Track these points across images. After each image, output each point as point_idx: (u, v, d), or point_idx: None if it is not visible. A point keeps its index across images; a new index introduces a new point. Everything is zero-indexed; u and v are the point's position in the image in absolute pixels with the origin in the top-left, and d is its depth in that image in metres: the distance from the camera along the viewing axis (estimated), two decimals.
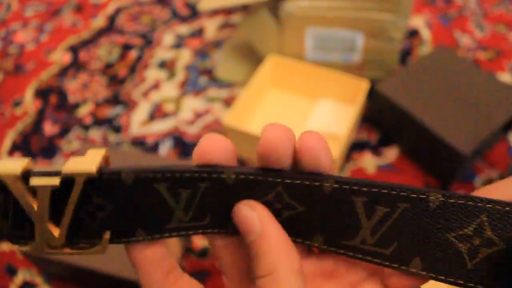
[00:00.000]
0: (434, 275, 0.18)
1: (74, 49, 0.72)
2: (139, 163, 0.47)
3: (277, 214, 0.18)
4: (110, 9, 0.79)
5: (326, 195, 0.18)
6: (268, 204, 0.18)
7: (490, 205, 0.17)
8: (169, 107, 0.62)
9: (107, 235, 0.18)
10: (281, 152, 0.17)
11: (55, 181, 0.17)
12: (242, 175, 0.18)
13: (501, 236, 0.17)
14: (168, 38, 0.72)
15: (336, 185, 0.18)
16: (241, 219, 0.18)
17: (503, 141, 0.56)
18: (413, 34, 0.70)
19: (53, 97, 0.65)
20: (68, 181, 0.17)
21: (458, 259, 0.17)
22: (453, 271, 0.18)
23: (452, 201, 0.17)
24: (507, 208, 0.17)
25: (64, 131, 0.60)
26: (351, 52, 0.59)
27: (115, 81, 0.66)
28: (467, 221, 0.17)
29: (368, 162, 0.55)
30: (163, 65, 0.68)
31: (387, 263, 0.18)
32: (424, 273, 0.18)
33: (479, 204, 0.17)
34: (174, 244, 0.44)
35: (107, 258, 0.40)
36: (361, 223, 0.18)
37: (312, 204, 0.18)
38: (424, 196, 0.17)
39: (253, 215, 0.18)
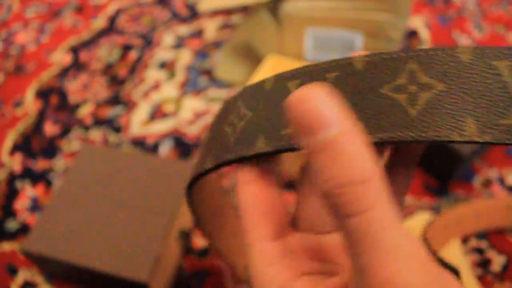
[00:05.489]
0: (382, 135, 0.16)
1: (74, 50, 0.72)
2: (138, 163, 0.47)
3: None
4: (111, 10, 0.79)
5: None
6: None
7: (413, 53, 0.16)
8: (169, 107, 0.63)
9: None
10: None
11: None
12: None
13: (436, 77, 0.16)
14: (168, 39, 0.73)
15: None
16: (309, 109, 0.14)
17: None
18: (412, 34, 0.70)
19: (53, 97, 0.65)
20: None
21: (399, 110, 0.16)
22: (398, 124, 0.16)
23: (376, 58, 0.17)
24: (431, 53, 0.16)
25: (64, 132, 0.61)
26: (350, 53, 0.60)
27: (115, 82, 0.67)
28: (397, 72, 0.16)
29: None
30: (163, 65, 0.69)
31: None
32: (371, 135, 0.16)
33: (402, 55, 0.16)
34: (173, 244, 0.45)
35: (107, 258, 0.40)
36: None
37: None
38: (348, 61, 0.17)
39: (329, 102, 0.14)
